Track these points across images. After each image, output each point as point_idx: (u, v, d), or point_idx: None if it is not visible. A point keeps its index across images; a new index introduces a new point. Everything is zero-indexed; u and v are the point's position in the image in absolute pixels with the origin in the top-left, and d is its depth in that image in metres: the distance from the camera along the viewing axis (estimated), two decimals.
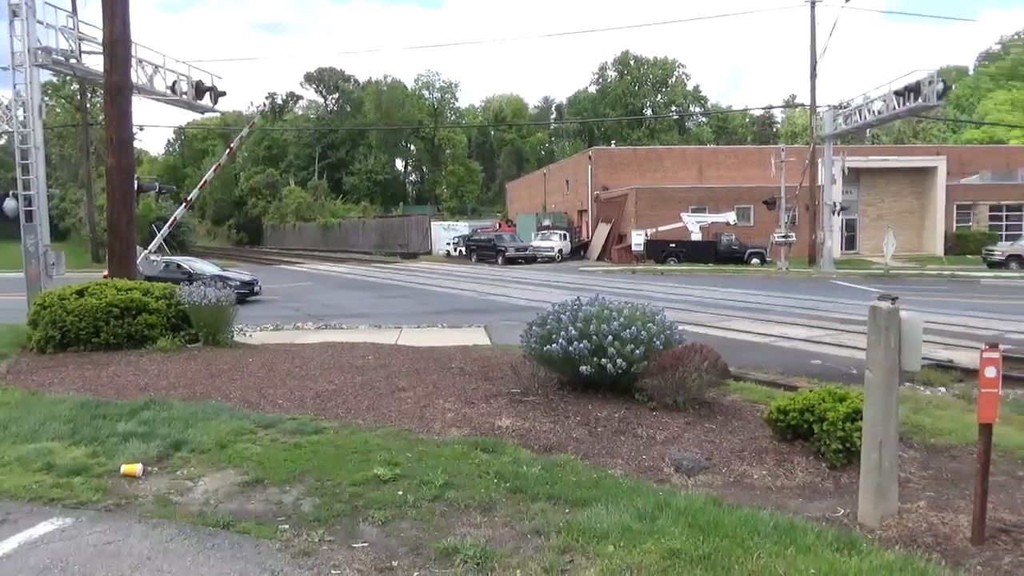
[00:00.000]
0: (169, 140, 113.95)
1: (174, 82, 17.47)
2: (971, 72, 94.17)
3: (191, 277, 20.32)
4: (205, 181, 24.88)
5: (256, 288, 22.26)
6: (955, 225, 43.86)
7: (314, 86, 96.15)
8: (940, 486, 5.40)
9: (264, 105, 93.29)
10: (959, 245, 41.96)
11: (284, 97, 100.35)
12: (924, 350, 5.21)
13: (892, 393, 4.65)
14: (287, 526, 4.43)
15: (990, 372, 4.25)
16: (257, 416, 6.82)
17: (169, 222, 22.65)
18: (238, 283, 20.53)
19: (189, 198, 24.37)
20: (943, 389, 9.92)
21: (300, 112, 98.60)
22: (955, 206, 43.95)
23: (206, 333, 11.17)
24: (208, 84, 18.20)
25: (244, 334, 12.23)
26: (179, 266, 22.69)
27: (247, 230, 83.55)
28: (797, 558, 3.82)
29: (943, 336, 13.23)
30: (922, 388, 9.90)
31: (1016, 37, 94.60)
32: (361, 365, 9.44)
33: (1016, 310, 17.84)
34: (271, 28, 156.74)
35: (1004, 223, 44.23)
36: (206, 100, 18.39)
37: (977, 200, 44.52)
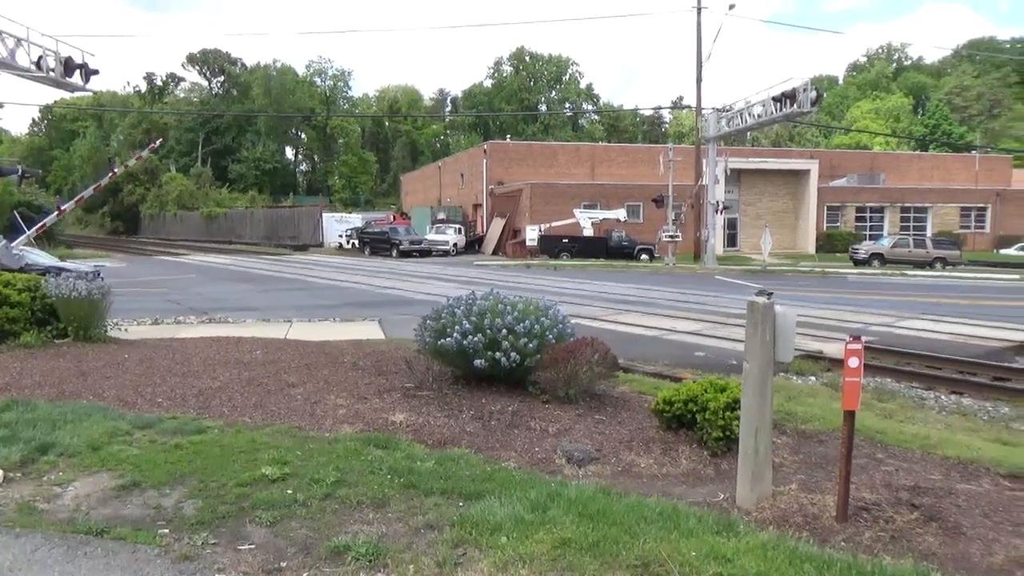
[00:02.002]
0: (34, 119, 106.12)
1: (40, 57, 16.22)
2: (840, 82, 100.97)
3: (22, 268, 18.72)
4: (82, 197, 23.36)
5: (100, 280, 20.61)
6: (826, 225, 46.99)
7: (197, 68, 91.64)
8: (810, 469, 5.77)
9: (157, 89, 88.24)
10: (829, 244, 44.99)
11: (164, 78, 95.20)
12: (796, 342, 5.55)
13: (767, 383, 4.93)
14: (167, 530, 4.22)
15: (853, 362, 4.57)
16: (134, 416, 6.45)
17: (38, 226, 21.08)
18: (77, 275, 18.82)
19: (63, 208, 22.75)
20: (813, 378, 10.61)
21: (182, 95, 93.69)
22: (826, 207, 47.09)
23: (76, 328, 10.44)
24: (79, 61, 17.00)
25: (120, 328, 11.52)
26: None
27: (123, 218, 78.59)
28: (680, 542, 3.99)
29: (814, 329, 14.15)
30: (795, 377, 10.54)
31: (880, 51, 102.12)
32: (248, 361, 9.10)
33: (877, 304, 19.29)
34: (149, 4, 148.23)
35: (868, 223, 47.77)
36: (76, 78, 17.16)
37: (845, 202, 47.84)
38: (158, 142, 34.84)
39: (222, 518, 4.37)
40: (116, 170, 27.03)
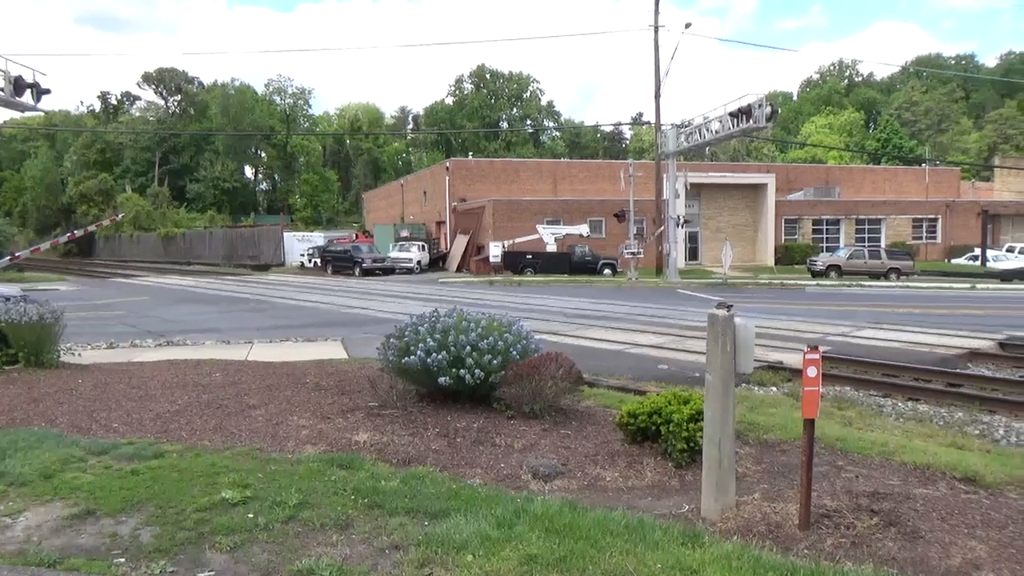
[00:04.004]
0: None
1: None
2: (795, 97, 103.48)
3: None
4: (39, 248, 23.13)
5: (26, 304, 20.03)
6: (784, 237, 47.87)
7: (153, 87, 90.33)
8: (772, 478, 5.83)
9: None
10: (787, 256, 45.83)
11: (119, 97, 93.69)
12: (757, 353, 5.63)
13: (729, 394, 4.98)
14: (123, 559, 4.10)
15: (811, 372, 4.65)
16: (88, 442, 6.27)
17: None
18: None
19: (18, 255, 22.37)
20: (774, 388, 10.75)
21: (137, 114, 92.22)
22: (783, 220, 47.99)
23: (27, 353, 10.15)
24: (29, 80, 16.67)
25: (73, 353, 11.23)
26: None
27: (77, 240, 76.71)
28: (646, 554, 4.00)
29: (774, 340, 14.36)
30: (756, 388, 10.68)
31: (832, 68, 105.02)
32: (207, 383, 8.93)
33: (834, 314, 19.68)
34: (102, 23, 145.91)
35: (825, 235, 48.80)
36: (27, 97, 16.82)
37: (802, 215, 48.83)
38: (120, 216, 35.00)
39: (180, 545, 4.27)
40: (76, 232, 26.78)
